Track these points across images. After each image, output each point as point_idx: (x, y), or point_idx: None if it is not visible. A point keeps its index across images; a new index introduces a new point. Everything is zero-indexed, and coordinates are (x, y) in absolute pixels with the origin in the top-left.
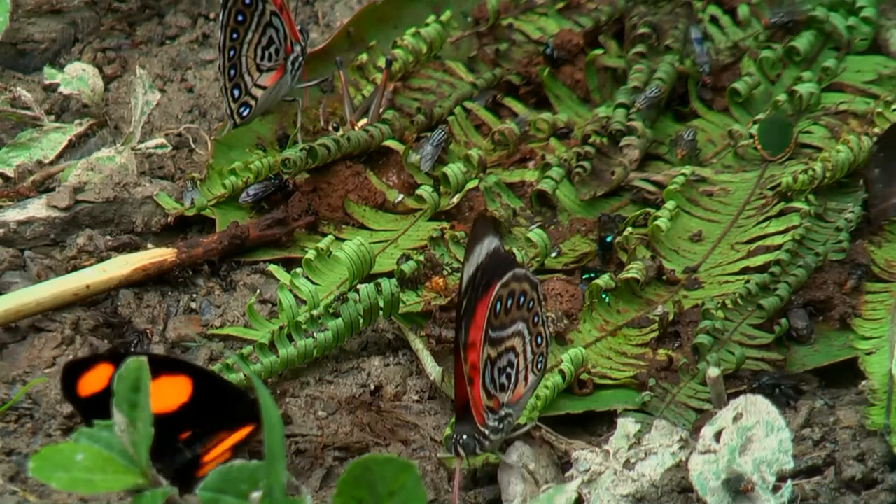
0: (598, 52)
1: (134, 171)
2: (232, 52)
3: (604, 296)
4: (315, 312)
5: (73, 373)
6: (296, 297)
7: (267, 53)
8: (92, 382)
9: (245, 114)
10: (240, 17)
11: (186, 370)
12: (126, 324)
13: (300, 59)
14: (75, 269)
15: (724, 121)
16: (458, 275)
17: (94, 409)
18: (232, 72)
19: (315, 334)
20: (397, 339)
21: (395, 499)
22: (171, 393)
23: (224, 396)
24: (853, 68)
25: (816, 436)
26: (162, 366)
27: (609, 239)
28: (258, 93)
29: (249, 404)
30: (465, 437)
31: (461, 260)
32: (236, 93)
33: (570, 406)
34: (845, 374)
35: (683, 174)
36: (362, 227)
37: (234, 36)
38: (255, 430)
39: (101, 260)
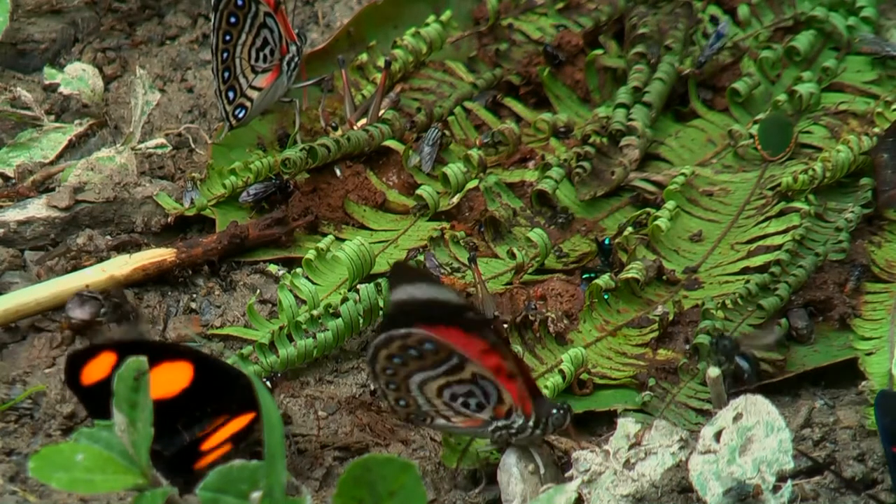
0: (598, 52)
1: (134, 171)
2: (225, 55)
3: (604, 296)
4: (315, 312)
5: (76, 362)
6: (296, 297)
7: (262, 55)
8: (95, 371)
9: (241, 116)
10: (232, 20)
11: (188, 356)
12: None
13: (296, 59)
14: (75, 269)
15: (724, 121)
16: (458, 275)
17: (97, 398)
18: (226, 74)
19: (315, 334)
20: None
21: (395, 499)
22: (172, 378)
23: (225, 380)
24: (853, 68)
25: (816, 436)
26: (164, 353)
27: (607, 242)
28: (253, 94)
29: (249, 390)
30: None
31: (461, 260)
32: (231, 95)
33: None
34: (845, 374)
35: (683, 174)
36: (362, 227)
37: (227, 38)
38: (256, 418)
39: (101, 260)
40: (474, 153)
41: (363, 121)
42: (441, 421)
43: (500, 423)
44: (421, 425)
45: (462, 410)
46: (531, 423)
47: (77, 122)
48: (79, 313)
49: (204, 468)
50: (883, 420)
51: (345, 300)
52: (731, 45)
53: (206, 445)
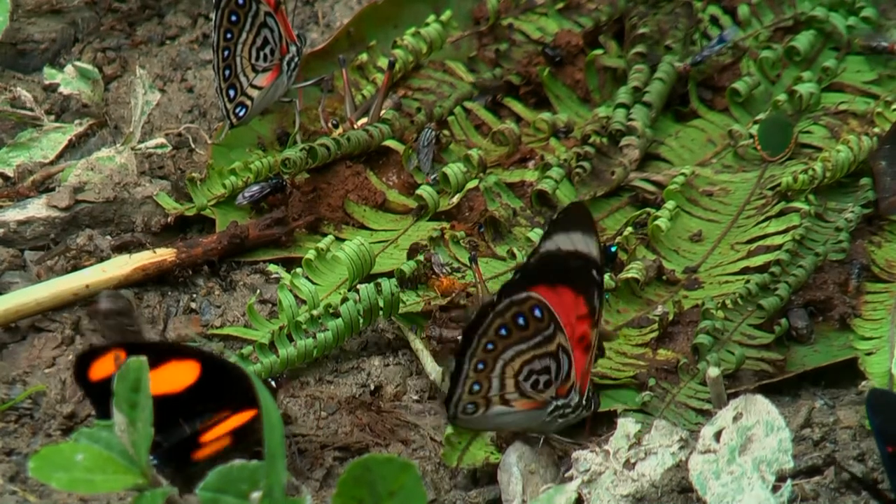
0: (598, 52)
1: (134, 171)
2: (226, 53)
3: (605, 296)
4: (315, 312)
5: (85, 360)
6: (296, 297)
7: (262, 54)
8: (103, 367)
9: (241, 114)
10: (233, 18)
11: (195, 356)
12: None
13: (296, 59)
14: (75, 269)
15: (724, 121)
16: (458, 275)
17: (105, 394)
18: (227, 72)
19: (315, 334)
20: (397, 339)
21: (395, 499)
22: (178, 375)
23: (228, 379)
24: (853, 68)
25: (816, 436)
26: (171, 353)
27: (613, 249)
28: (254, 93)
29: (252, 389)
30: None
31: (461, 260)
32: (232, 93)
33: None
34: (845, 374)
35: (683, 174)
36: (362, 227)
37: (228, 36)
38: (257, 416)
39: (101, 260)
40: (474, 153)
41: (363, 120)
42: (497, 408)
43: (559, 402)
44: (467, 424)
45: (529, 391)
46: (584, 402)
47: (77, 122)
48: (108, 303)
49: (202, 459)
50: (875, 420)
51: (345, 300)
52: (731, 45)
53: (205, 437)
